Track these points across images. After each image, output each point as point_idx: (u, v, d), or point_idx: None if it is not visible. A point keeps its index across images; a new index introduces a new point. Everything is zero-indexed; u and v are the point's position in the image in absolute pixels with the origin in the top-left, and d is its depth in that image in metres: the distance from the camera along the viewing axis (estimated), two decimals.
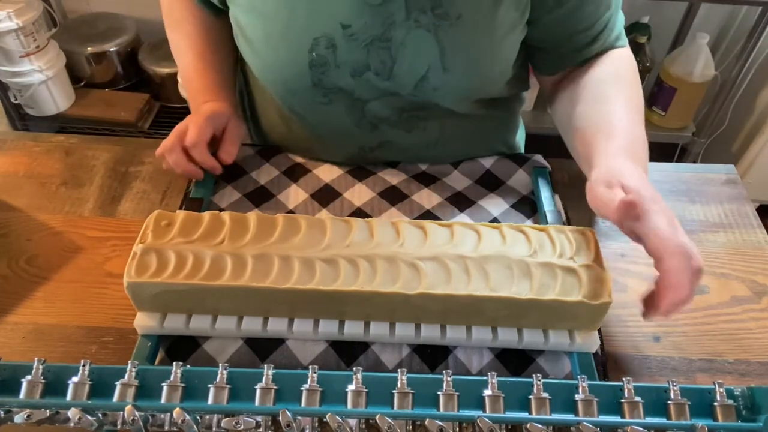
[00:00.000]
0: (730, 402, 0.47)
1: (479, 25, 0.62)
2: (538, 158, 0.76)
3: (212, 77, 0.74)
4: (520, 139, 0.88)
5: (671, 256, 0.46)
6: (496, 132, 0.80)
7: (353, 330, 0.55)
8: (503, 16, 0.62)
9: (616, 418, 0.47)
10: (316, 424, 0.46)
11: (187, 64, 0.75)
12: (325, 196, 0.70)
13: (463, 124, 0.74)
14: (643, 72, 1.68)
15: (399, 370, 0.47)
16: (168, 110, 1.80)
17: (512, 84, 0.74)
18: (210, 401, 0.46)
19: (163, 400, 0.45)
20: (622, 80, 0.66)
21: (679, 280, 0.46)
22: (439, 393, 0.46)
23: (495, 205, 0.70)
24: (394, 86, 0.66)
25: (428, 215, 0.69)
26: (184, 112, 2.22)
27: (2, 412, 0.45)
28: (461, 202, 0.70)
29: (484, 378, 0.47)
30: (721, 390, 0.48)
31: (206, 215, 0.57)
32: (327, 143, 0.74)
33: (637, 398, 0.47)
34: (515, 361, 0.56)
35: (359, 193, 0.71)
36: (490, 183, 0.73)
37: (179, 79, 1.59)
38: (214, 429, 0.45)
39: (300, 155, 0.75)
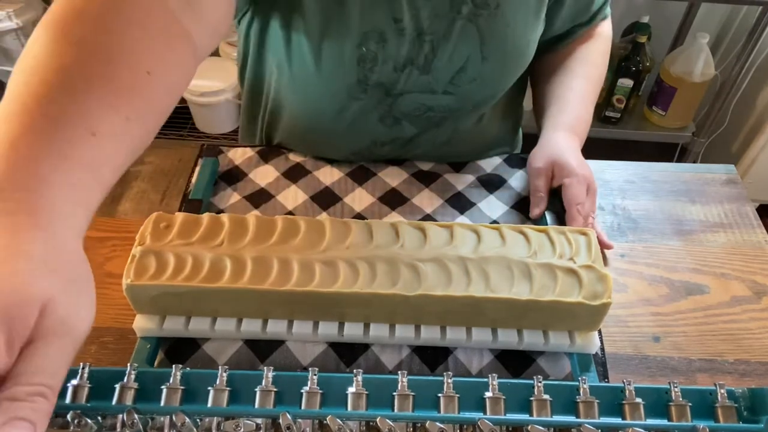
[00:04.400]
0: (732, 403, 0.47)
1: (515, 13, 0.64)
2: None
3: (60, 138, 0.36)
4: (518, 141, 0.88)
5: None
6: (498, 136, 0.81)
7: (353, 331, 0.55)
8: (537, 3, 0.66)
9: (617, 420, 0.47)
10: (317, 426, 0.45)
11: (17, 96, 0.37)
12: (325, 198, 0.70)
13: (475, 125, 0.75)
14: (643, 72, 1.68)
15: (399, 372, 0.47)
16: None
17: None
18: (210, 404, 0.46)
19: (162, 403, 0.45)
20: (590, 57, 0.76)
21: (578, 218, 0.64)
22: (439, 395, 0.46)
23: (495, 206, 0.70)
24: (431, 81, 0.67)
25: (428, 219, 0.68)
26: (184, 111, 2.21)
27: None
28: (462, 204, 0.70)
29: (485, 380, 0.47)
30: (723, 391, 0.47)
31: (205, 217, 0.57)
32: (339, 137, 0.73)
33: (638, 399, 0.47)
34: (515, 362, 0.56)
35: (359, 198, 0.71)
36: (491, 183, 0.73)
37: None
38: (213, 431, 0.45)
39: (302, 152, 0.75)
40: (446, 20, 0.63)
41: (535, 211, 0.67)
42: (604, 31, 0.78)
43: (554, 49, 0.77)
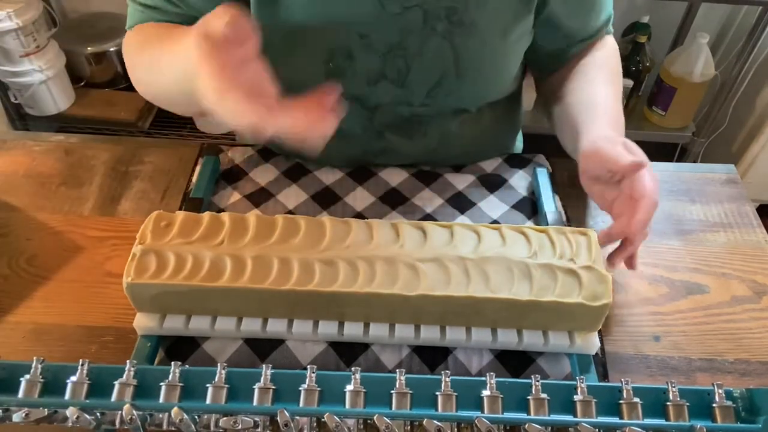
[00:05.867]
0: (729, 403, 0.47)
1: (492, 31, 0.63)
2: (540, 159, 0.76)
3: None
4: (518, 141, 0.88)
5: (645, 210, 0.55)
6: (495, 137, 0.81)
7: (353, 331, 0.55)
8: (514, 21, 0.64)
9: (615, 419, 0.47)
10: (315, 424, 0.45)
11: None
12: (326, 198, 0.70)
13: (463, 129, 0.74)
14: (643, 72, 1.68)
15: (398, 370, 0.47)
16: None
17: (513, 85, 0.74)
18: (208, 401, 0.46)
19: (161, 400, 0.45)
20: (606, 65, 0.71)
21: (639, 232, 0.56)
22: (437, 393, 0.46)
23: (495, 206, 0.70)
24: (407, 94, 0.66)
25: (429, 219, 0.68)
26: None
27: (1, 411, 0.45)
28: (462, 203, 0.70)
29: (483, 378, 0.47)
30: (720, 391, 0.47)
31: (206, 216, 0.57)
32: (330, 149, 0.73)
33: (636, 399, 0.47)
34: (515, 362, 0.56)
35: (360, 198, 0.71)
36: (491, 183, 0.73)
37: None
38: (212, 428, 0.45)
39: (301, 159, 0.75)
40: (419, 37, 0.62)
41: (628, 158, 0.56)
42: (609, 42, 0.74)
43: (553, 66, 0.74)
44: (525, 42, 0.68)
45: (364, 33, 0.61)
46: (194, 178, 0.70)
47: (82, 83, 1.79)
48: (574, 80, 0.70)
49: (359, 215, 0.69)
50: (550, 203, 0.68)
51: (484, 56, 0.64)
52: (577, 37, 0.71)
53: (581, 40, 0.72)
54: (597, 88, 0.68)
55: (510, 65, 0.68)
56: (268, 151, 0.76)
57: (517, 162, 0.76)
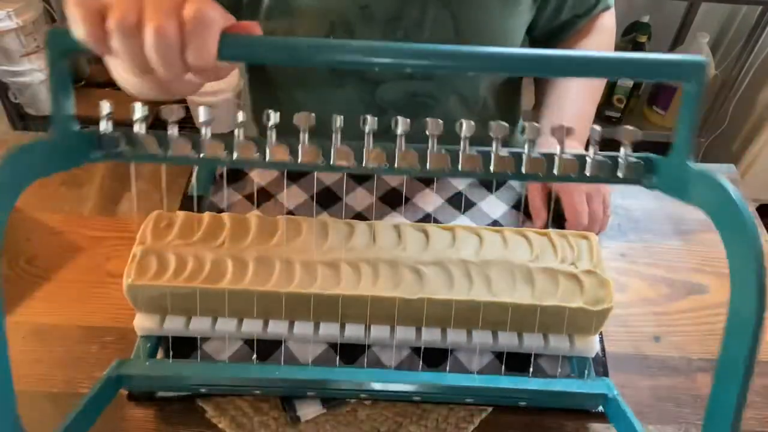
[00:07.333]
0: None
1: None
2: None
3: None
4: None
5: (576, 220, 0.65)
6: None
7: (354, 333, 0.55)
8: None
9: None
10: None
11: None
12: (326, 198, 0.70)
13: (467, 118, 0.75)
14: None
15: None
16: None
17: None
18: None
19: None
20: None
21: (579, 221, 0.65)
22: None
23: (496, 206, 0.70)
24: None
25: (429, 219, 0.68)
26: (186, 112, 2.22)
27: None
28: (462, 203, 0.70)
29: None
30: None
31: (206, 216, 0.57)
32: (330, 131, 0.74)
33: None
34: (515, 362, 0.56)
35: (360, 198, 0.70)
36: (491, 183, 0.73)
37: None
38: None
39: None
40: (418, 6, 0.61)
41: (537, 223, 0.67)
42: (606, 23, 0.76)
43: (553, 44, 0.77)
44: (526, 15, 0.68)
45: (363, 3, 0.61)
46: (194, 175, 0.70)
47: (82, 83, 1.79)
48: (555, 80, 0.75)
49: (359, 215, 0.69)
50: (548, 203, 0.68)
51: (485, 23, 0.64)
52: (577, 9, 0.72)
53: (579, 15, 0.73)
54: (568, 83, 0.73)
55: (512, 36, 0.68)
56: None
57: None
